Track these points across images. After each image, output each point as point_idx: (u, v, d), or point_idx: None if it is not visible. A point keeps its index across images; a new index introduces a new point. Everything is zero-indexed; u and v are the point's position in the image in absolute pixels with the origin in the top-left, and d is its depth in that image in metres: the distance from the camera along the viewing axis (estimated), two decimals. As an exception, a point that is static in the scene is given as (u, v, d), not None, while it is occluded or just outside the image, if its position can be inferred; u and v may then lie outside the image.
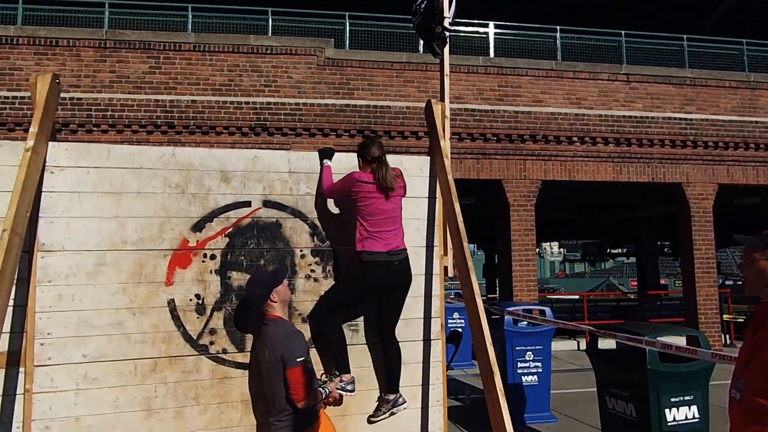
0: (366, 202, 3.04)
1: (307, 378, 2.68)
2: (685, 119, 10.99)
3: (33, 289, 2.77)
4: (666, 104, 11.02)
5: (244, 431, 2.95)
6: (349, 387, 2.99)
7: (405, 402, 3.12)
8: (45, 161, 2.88)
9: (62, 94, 4.66)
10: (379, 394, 3.17)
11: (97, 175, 2.96)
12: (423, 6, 4.05)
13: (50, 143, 2.94)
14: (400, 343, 3.19)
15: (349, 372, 3.02)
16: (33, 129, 2.81)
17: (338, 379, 2.97)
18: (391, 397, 3.11)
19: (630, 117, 10.79)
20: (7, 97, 8.97)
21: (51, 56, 9.22)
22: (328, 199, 3.28)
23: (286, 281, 2.89)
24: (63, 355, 2.75)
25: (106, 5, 9.96)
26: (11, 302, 2.58)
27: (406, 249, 3.15)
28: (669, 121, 10.92)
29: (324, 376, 3.04)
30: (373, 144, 3.22)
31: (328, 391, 2.88)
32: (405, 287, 3.18)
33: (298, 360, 2.65)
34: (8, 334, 2.67)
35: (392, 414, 3.11)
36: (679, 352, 3.58)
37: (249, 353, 3.02)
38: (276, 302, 2.78)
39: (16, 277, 2.59)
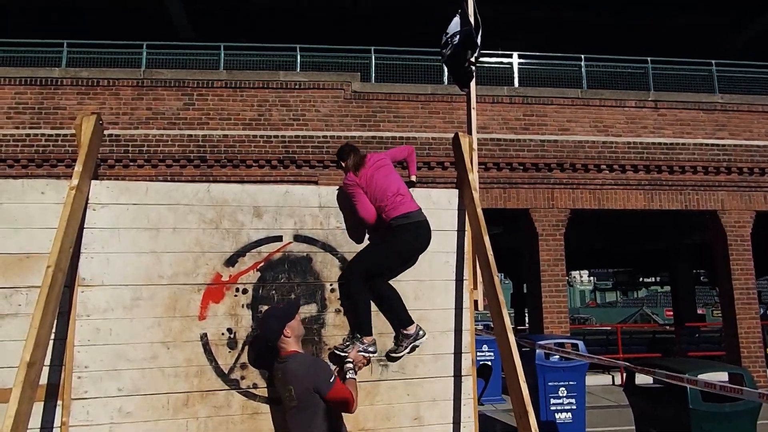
0: (372, 189, 3.20)
1: (343, 386, 2.73)
2: (718, 145, 10.76)
3: (72, 323, 2.85)
4: (696, 130, 10.83)
5: (273, 467, 2.93)
6: (371, 348, 3.04)
7: (425, 334, 3.13)
8: (87, 198, 3.00)
9: (104, 130, 4.90)
10: (395, 334, 3.18)
11: (135, 211, 3.06)
12: (456, 39, 4.13)
13: (93, 181, 3.07)
14: (430, 379, 3.15)
15: (371, 334, 3.07)
16: (78, 168, 2.94)
17: (359, 342, 3.02)
18: (412, 330, 3.12)
19: (660, 144, 10.63)
20: (51, 135, 9.42)
21: (92, 96, 9.69)
22: (358, 233, 3.32)
23: (299, 316, 2.90)
24: (99, 389, 2.80)
25: (144, 46, 10.47)
26: (52, 335, 2.66)
27: (420, 209, 3.25)
28: (701, 147, 10.71)
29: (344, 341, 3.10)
30: (342, 149, 3.42)
31: (352, 362, 2.93)
32: (425, 248, 3.25)
33: (331, 381, 2.67)
34: (48, 367, 2.73)
35: (414, 348, 3.11)
36: (724, 392, 3.42)
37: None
38: (290, 337, 2.78)
39: (57, 311, 2.68)
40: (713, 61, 11.69)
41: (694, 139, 10.77)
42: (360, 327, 3.09)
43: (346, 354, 2.99)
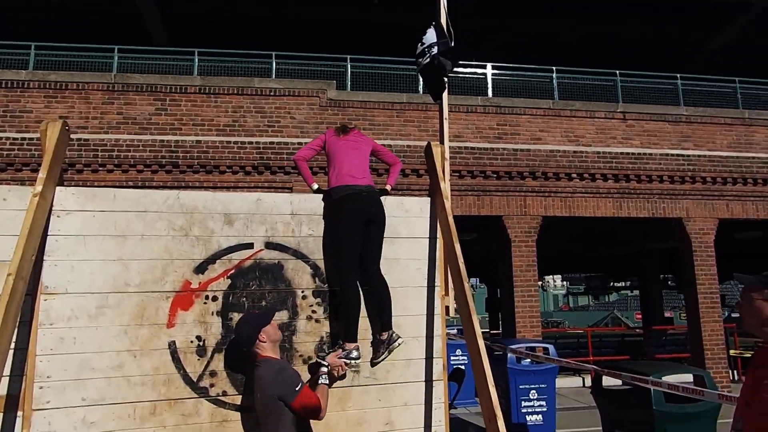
0: (332, 151, 3.40)
1: (311, 393, 2.72)
2: (683, 155, 11.13)
3: (35, 332, 2.78)
4: (663, 141, 11.19)
5: (243, 477, 2.90)
6: (353, 354, 3.03)
7: (399, 338, 3.14)
8: (52, 205, 2.94)
9: (70, 135, 4.81)
10: (372, 337, 3.20)
11: (102, 218, 3.01)
12: (435, 50, 4.18)
13: (58, 188, 3.01)
14: (402, 384, 3.17)
15: (355, 341, 3.07)
16: (41, 174, 2.88)
17: (340, 349, 3.01)
18: (385, 335, 3.14)
19: (628, 154, 10.94)
20: (16, 139, 9.16)
21: (60, 99, 9.47)
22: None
23: (274, 321, 2.90)
24: (62, 399, 2.73)
25: (116, 50, 10.29)
26: (12, 345, 2.59)
27: (375, 188, 3.38)
28: (666, 158, 11.06)
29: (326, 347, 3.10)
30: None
31: (327, 366, 2.91)
32: (380, 219, 3.30)
33: (297, 389, 2.66)
34: (8, 378, 2.66)
35: (390, 351, 3.13)
36: (686, 393, 3.53)
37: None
38: (265, 342, 2.78)
39: (18, 320, 2.61)
40: (678, 75, 12.12)
41: (660, 149, 11.12)
42: (347, 331, 3.08)
43: (322, 359, 2.98)
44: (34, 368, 2.72)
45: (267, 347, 2.79)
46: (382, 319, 3.17)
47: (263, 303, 3.14)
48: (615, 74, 11.75)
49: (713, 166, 11.20)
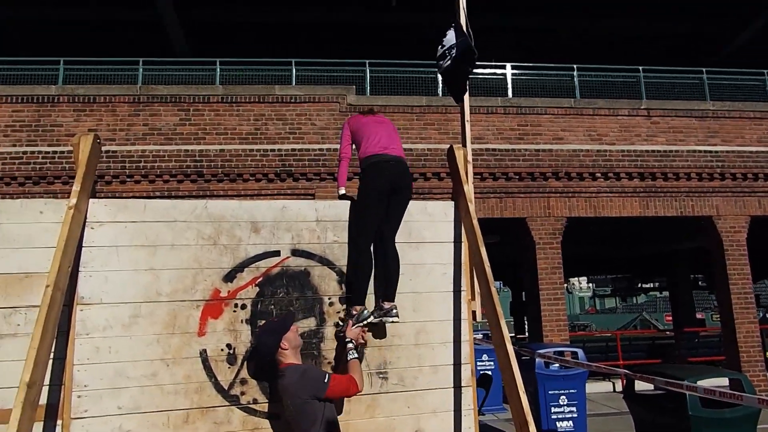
0: (359, 128, 3.47)
1: (340, 378, 2.79)
2: (711, 152, 10.86)
3: (72, 342, 2.85)
4: (689, 137, 10.93)
5: (275, 483, 2.92)
6: (364, 314, 3.07)
7: (397, 316, 3.11)
8: (86, 217, 3.02)
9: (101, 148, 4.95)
10: (375, 301, 3.20)
11: (134, 229, 3.08)
12: (454, 52, 4.17)
13: (91, 200, 3.09)
14: (430, 391, 3.16)
15: (362, 303, 3.11)
16: (75, 187, 2.96)
17: (351, 320, 3.04)
18: (387, 306, 3.13)
19: (653, 151, 10.72)
20: (48, 152, 9.44)
21: (89, 112, 9.73)
22: None
23: (294, 327, 2.93)
24: (99, 407, 2.79)
25: (140, 62, 10.54)
26: (51, 355, 2.66)
27: (404, 159, 3.43)
28: (694, 154, 10.80)
29: (341, 321, 3.15)
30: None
31: (351, 341, 2.96)
32: (404, 191, 3.33)
33: (326, 381, 2.71)
34: (48, 387, 2.73)
35: (382, 321, 3.12)
36: (723, 398, 3.43)
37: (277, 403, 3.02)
38: (287, 349, 2.81)
39: (56, 330, 2.68)
40: (704, 69, 11.83)
41: (687, 146, 10.86)
42: (355, 295, 3.12)
43: (343, 334, 3.02)
44: (71, 378, 2.79)
45: (289, 354, 2.82)
46: (387, 291, 3.18)
47: (291, 310, 3.16)
48: (638, 70, 11.54)
49: (743, 161, 10.89)
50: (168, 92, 9.92)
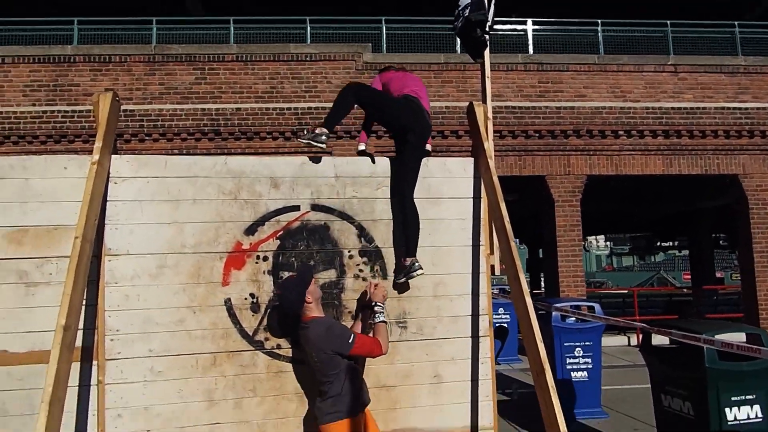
0: (390, 79, 3.57)
1: (364, 340, 2.84)
2: (740, 108, 10.49)
3: (102, 290, 2.96)
4: (718, 94, 10.56)
5: (299, 422, 3.06)
6: (416, 266, 3.12)
7: (421, 268, 3.17)
8: (109, 173, 3.08)
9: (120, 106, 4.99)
10: (396, 262, 3.29)
11: (156, 184, 3.13)
12: (467, 12, 4.05)
13: (113, 156, 3.14)
14: (449, 340, 3.24)
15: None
16: (98, 144, 3.00)
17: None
18: (408, 261, 3.19)
19: (679, 108, 10.40)
20: (67, 112, 9.54)
21: (105, 72, 9.75)
22: (376, 201, 3.35)
23: (315, 279, 2.99)
24: (131, 350, 2.93)
25: (154, 22, 10.44)
26: (83, 302, 2.78)
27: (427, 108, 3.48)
28: (722, 111, 10.46)
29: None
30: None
31: (381, 305, 2.97)
32: (424, 143, 3.42)
33: (350, 341, 2.77)
34: (82, 331, 2.86)
35: (408, 278, 3.18)
36: (741, 351, 3.44)
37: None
38: (311, 302, 2.87)
39: (86, 279, 2.79)
40: (736, 23, 11.29)
41: (715, 102, 10.51)
42: (409, 246, 3.18)
43: (369, 297, 3.05)
44: (104, 323, 2.92)
45: (313, 307, 2.88)
46: (407, 245, 3.22)
47: (311, 263, 3.22)
48: (666, 25, 11.07)
49: (773, 118, 10.52)
50: (183, 51, 9.86)
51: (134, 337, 2.94)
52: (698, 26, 11.31)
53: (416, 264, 3.18)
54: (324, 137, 3.25)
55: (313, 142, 3.25)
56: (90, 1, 13.00)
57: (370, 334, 2.98)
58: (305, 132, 3.30)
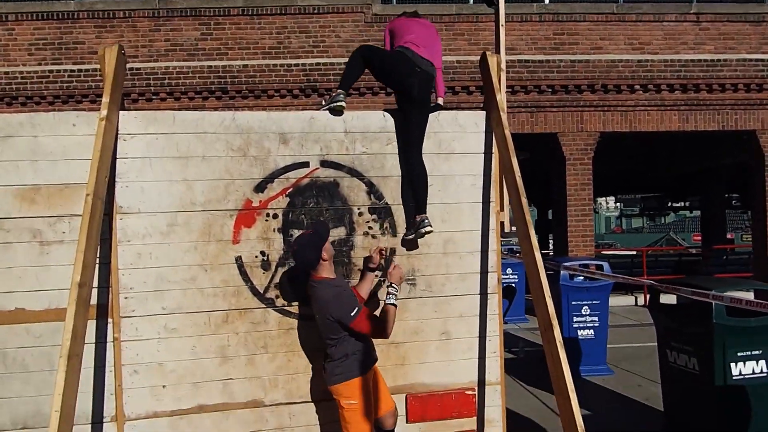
0: (399, 26, 3.44)
1: (366, 321, 2.80)
2: (763, 60, 10.09)
3: (115, 248, 3.00)
4: (741, 45, 10.14)
5: (308, 378, 3.14)
6: (426, 222, 3.14)
7: (429, 226, 3.18)
8: (117, 129, 3.05)
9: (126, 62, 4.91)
10: (406, 218, 3.32)
11: (165, 140, 3.11)
12: None
13: (121, 112, 3.11)
14: (458, 297, 3.27)
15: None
16: (105, 99, 2.96)
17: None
18: (418, 219, 3.22)
19: (699, 61, 10.03)
20: (73, 71, 9.43)
21: (109, 28, 9.56)
22: (386, 157, 3.31)
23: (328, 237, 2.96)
24: (145, 308, 2.99)
25: (156, -27, 10.11)
26: (97, 260, 2.82)
27: (432, 67, 3.34)
28: (744, 64, 10.07)
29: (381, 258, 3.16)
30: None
31: (395, 287, 2.93)
32: (425, 96, 3.29)
33: (353, 314, 2.76)
34: (96, 289, 2.92)
35: (418, 236, 3.22)
36: (750, 307, 3.44)
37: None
38: (327, 260, 2.86)
39: (99, 237, 2.81)
40: (764, -34, 10.71)
41: (737, 54, 10.10)
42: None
43: (384, 278, 3.05)
44: (117, 281, 2.97)
45: (326, 265, 2.87)
46: (417, 202, 3.23)
47: (323, 220, 3.22)
48: (690, -30, 10.52)
49: (798, 71, 10.13)
50: (187, 5, 9.60)
51: (148, 295, 2.99)
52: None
53: (426, 221, 3.17)
54: (342, 95, 3.23)
55: (332, 105, 3.23)
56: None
57: (377, 312, 2.99)
58: (323, 103, 3.32)
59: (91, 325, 2.84)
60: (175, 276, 3.04)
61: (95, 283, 2.83)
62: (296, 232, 3.17)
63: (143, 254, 3.02)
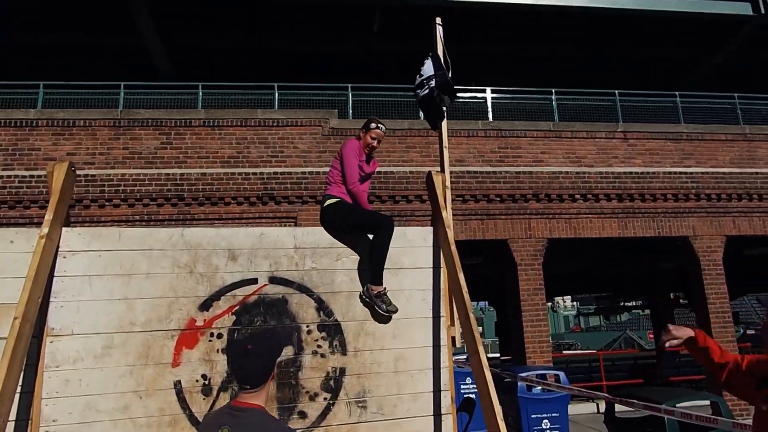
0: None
1: None
2: (686, 173, 11.12)
3: (40, 375, 2.77)
4: (665, 159, 11.20)
5: None
6: (386, 297, 3.25)
7: (394, 306, 3.27)
8: (58, 246, 2.97)
9: (77, 172, 4.88)
10: (364, 290, 3.34)
11: (108, 257, 3.04)
12: (433, 83, 4.23)
13: (64, 228, 3.04)
14: (410, 419, 3.15)
15: (381, 284, 3.26)
16: (48, 216, 2.92)
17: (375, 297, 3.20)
18: (379, 289, 3.28)
19: (631, 173, 10.95)
20: (25, 176, 9.30)
21: (68, 136, 9.64)
22: (335, 272, 3.33)
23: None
24: (68, 443, 2.71)
25: (122, 86, 10.50)
26: (18, 389, 2.58)
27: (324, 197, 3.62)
28: (670, 176, 11.05)
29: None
30: (377, 121, 3.92)
31: None
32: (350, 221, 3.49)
33: None
34: (14, 422, 2.65)
35: (392, 311, 3.27)
36: (699, 422, 3.46)
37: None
38: (271, 381, 2.19)
39: (24, 363, 2.61)
40: (677, 93, 12.20)
41: (663, 167, 11.12)
42: (377, 275, 3.25)
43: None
44: (39, 412, 2.71)
45: (266, 388, 2.17)
46: (373, 271, 3.29)
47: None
48: (614, 94, 11.84)
49: (717, 182, 11.17)
50: (149, 116, 9.89)
51: (72, 428, 2.73)
52: (644, 95, 12.14)
53: (387, 296, 3.26)
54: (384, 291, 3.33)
55: (390, 309, 3.30)
56: (58, 66, 13.06)
57: None
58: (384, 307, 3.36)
59: (2, 467, 2.53)
60: (106, 405, 2.81)
61: (12, 416, 2.58)
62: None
63: (72, 381, 2.80)
